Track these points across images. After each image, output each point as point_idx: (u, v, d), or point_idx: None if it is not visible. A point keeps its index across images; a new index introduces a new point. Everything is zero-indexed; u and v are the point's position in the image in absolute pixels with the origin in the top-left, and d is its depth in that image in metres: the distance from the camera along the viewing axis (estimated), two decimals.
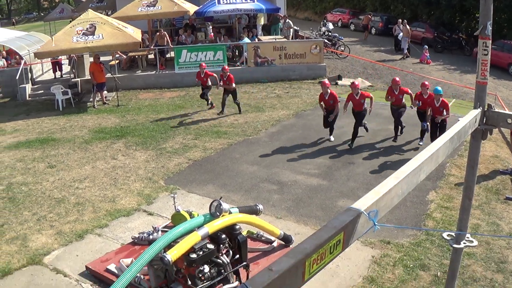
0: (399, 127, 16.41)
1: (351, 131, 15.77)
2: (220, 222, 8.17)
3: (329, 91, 15.90)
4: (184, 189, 13.22)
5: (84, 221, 11.74)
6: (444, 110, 14.73)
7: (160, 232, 10.25)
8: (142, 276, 8.87)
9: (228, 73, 19.15)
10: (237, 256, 8.37)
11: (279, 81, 24.70)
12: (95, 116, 20.81)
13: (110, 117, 20.35)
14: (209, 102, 20.45)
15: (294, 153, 15.25)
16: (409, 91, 16.33)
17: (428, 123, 15.40)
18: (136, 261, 7.73)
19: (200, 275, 7.59)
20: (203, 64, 20.31)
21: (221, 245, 8.03)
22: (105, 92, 22.88)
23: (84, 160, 15.67)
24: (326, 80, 16.42)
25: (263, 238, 10.18)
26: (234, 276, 8.31)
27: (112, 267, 9.52)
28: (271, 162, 14.71)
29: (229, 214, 8.58)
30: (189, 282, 7.78)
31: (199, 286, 7.64)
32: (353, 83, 16.12)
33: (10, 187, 13.87)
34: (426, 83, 15.86)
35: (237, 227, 8.40)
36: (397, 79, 16.43)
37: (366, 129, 16.56)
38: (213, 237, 7.99)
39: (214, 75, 19.78)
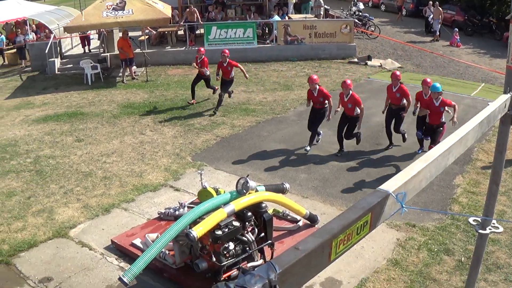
0: (402, 135, 14.17)
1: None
2: (246, 200, 8.21)
3: (317, 87, 13.74)
4: (211, 165, 13.26)
5: (110, 195, 11.87)
6: (444, 111, 12.63)
7: (186, 208, 10.33)
8: (167, 252, 8.98)
9: (203, 56, 17.87)
10: (262, 234, 8.43)
11: (308, 60, 24.51)
12: (124, 91, 20.94)
13: (139, 92, 20.46)
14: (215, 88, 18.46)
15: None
16: (407, 92, 13.68)
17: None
18: (161, 236, 7.86)
19: (225, 252, 7.69)
20: (226, 51, 17.32)
21: (247, 223, 8.07)
22: (134, 67, 22.98)
23: (112, 134, 15.81)
24: (314, 75, 14.19)
25: (288, 217, 10.19)
26: (259, 254, 8.37)
27: (137, 241, 9.65)
28: (299, 141, 14.64)
29: (255, 192, 8.61)
30: (214, 259, 7.84)
31: (224, 263, 7.73)
32: (344, 81, 13.59)
33: (38, 160, 14.08)
34: (428, 80, 13.44)
35: (263, 205, 8.43)
36: (398, 73, 14.02)
37: (358, 139, 14.04)
38: (239, 215, 8.03)
39: (239, 65, 17.52)
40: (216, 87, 18.04)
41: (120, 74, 22.81)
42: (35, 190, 12.38)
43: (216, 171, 12.81)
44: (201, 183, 10.48)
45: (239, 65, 17.22)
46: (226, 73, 17.11)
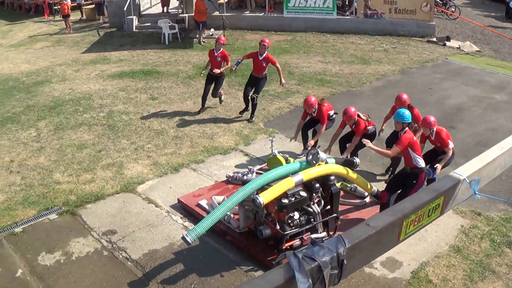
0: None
1: None
2: (316, 171, 8.16)
3: (315, 109, 11.48)
4: (282, 133, 13.14)
5: (181, 155, 11.96)
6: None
7: (254, 174, 10.39)
8: (232, 215, 9.03)
9: (222, 48, 14.26)
10: (328, 207, 8.38)
11: (387, 35, 23.84)
12: (200, 52, 21.03)
13: None
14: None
15: None
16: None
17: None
18: (228, 199, 7.93)
19: (289, 221, 7.73)
20: (267, 41, 13.75)
21: (314, 194, 8.04)
22: (212, 30, 23.04)
23: (186, 95, 15.93)
24: (311, 98, 11.48)
25: (356, 192, 10.01)
26: (323, 226, 8.35)
27: (203, 202, 9.72)
28: (372, 117, 14.20)
29: (325, 164, 8.52)
30: (278, 227, 7.88)
31: (287, 232, 7.76)
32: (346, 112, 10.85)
33: (111, 115, 14.37)
34: (405, 97, 11.06)
35: (332, 177, 8.36)
36: (405, 96, 11.08)
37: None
38: (307, 185, 8.01)
39: (277, 64, 14.01)
40: (222, 92, 15.11)
41: (197, 36, 22.89)
42: (106, 144, 12.66)
43: (287, 139, 12.65)
44: (271, 150, 10.53)
45: (277, 63, 13.75)
46: (259, 69, 13.54)
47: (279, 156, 9.84)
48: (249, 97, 13.76)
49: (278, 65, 13.80)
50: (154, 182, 10.94)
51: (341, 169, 8.64)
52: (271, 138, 11.25)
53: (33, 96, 16.33)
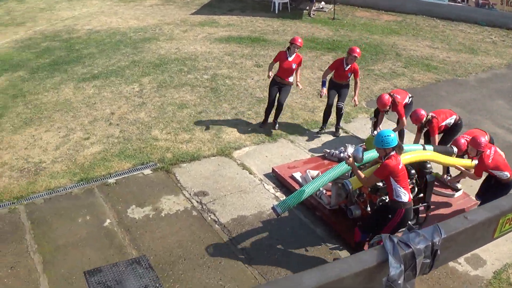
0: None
1: None
2: (412, 156, 7.97)
3: (389, 106, 10.50)
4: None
5: (280, 125, 11.82)
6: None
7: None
8: (324, 191, 8.94)
9: (296, 50, 11.63)
10: (421, 195, 8.18)
11: (496, 27, 22.45)
12: (309, 24, 20.79)
13: (324, 29, 20.19)
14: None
15: (498, 105, 13.82)
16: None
17: None
18: (323, 175, 7.89)
19: (381, 204, 7.62)
20: (357, 50, 11.34)
21: (409, 180, 7.70)
22: (323, 3, 22.72)
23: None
24: (385, 96, 10.41)
25: (449, 183, 9.59)
26: (413, 213, 8.06)
27: (297, 175, 9.64)
28: (475, 108, 13.54)
29: (423, 149, 8.33)
30: (368, 208, 7.84)
31: None
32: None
33: (215, 78, 14.45)
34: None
35: (428, 165, 8.13)
36: (422, 112, 9.94)
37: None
38: None
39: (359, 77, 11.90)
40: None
41: (308, 8, 22.61)
42: (207, 106, 12.76)
43: (388, 121, 12.21)
44: (371, 130, 10.44)
45: (359, 77, 11.77)
46: (343, 76, 11.49)
47: None
48: (337, 107, 11.65)
49: (359, 80, 11.80)
50: (250, 149, 10.93)
51: (439, 157, 8.32)
52: (371, 118, 10.93)
53: (139, 52, 16.72)
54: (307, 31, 19.78)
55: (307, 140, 11.36)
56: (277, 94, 11.57)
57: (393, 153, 6.96)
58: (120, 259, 7.85)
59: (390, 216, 7.09)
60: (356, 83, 11.61)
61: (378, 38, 18.97)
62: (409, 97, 10.80)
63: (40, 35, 19.31)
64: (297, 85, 11.58)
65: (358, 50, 11.23)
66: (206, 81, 14.27)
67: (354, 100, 11.54)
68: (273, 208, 7.65)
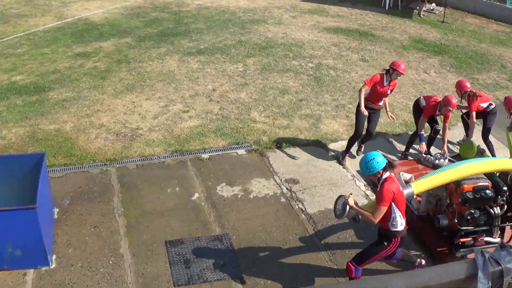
0: None
1: None
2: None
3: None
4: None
5: (379, 123, 11.39)
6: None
7: (447, 160, 10.00)
8: (415, 196, 8.45)
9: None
10: (510, 214, 7.80)
11: None
12: (418, 25, 20.14)
13: (432, 31, 19.49)
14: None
15: None
16: None
17: None
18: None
19: (469, 217, 7.49)
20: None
21: (499, 196, 7.50)
22: (433, 4, 21.95)
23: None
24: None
25: None
26: (499, 231, 7.83)
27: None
28: None
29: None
30: (456, 220, 7.58)
31: (464, 228, 7.49)
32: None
33: (319, 67, 14.21)
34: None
35: None
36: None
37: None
38: (495, 185, 7.51)
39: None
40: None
41: (418, 8, 21.93)
42: (309, 94, 12.54)
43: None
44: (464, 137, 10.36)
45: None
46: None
47: (474, 143, 9.38)
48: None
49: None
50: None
51: None
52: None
53: (247, 32, 16.67)
54: (415, 31, 19.17)
55: (403, 142, 10.92)
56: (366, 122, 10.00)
57: (387, 174, 6.33)
58: (203, 234, 7.83)
59: (385, 243, 6.54)
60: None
61: (485, 47, 18.09)
62: (490, 104, 10.35)
63: (150, 5, 19.70)
64: (390, 116, 10.04)
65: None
66: (310, 69, 14.03)
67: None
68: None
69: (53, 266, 7.11)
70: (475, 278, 4.74)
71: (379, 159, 6.30)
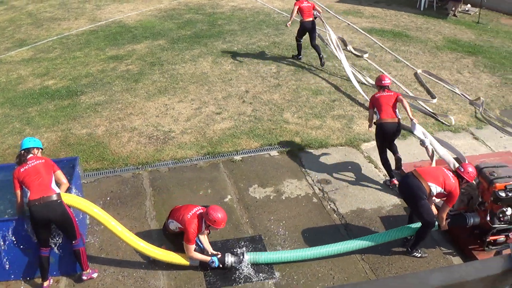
0: None
1: None
2: None
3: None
4: None
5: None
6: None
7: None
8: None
9: None
10: None
11: None
12: (453, 25, 19.78)
13: (467, 31, 19.11)
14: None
15: None
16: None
17: None
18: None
19: (501, 216, 7.50)
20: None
21: None
22: (469, 5, 21.52)
23: (430, 65, 15.02)
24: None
25: None
26: None
27: None
28: None
29: None
30: (488, 218, 7.56)
31: (495, 226, 7.51)
32: None
33: (353, 68, 13.95)
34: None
35: None
36: None
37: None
38: None
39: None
40: None
41: (453, 8, 21.54)
42: (342, 95, 12.49)
43: None
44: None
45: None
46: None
47: None
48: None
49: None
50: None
51: None
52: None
53: (280, 33, 16.60)
54: (450, 31, 18.84)
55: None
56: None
57: None
58: (235, 236, 7.77)
59: None
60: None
61: None
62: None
63: (184, 7, 19.77)
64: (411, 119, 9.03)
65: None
66: (344, 70, 13.84)
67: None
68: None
69: (84, 276, 7.10)
70: (511, 273, 4.63)
71: None
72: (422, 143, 8.90)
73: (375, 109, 9.10)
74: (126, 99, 11.96)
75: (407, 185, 7.40)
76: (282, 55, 14.76)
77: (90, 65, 14.09)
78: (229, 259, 7.16)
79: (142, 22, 17.89)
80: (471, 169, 7.25)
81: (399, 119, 9.06)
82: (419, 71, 14.21)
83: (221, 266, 7.12)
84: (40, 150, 7.14)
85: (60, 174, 6.91)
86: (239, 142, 10.26)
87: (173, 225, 7.04)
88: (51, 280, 7.00)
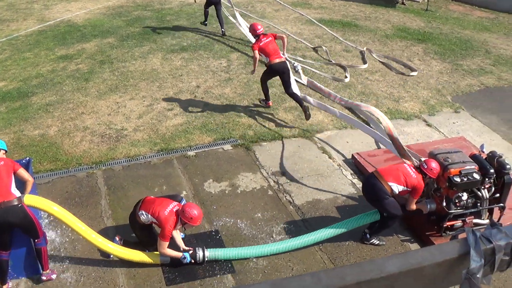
0: None
1: None
2: None
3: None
4: (468, 111, 12.10)
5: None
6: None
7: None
8: None
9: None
10: (497, 195, 7.90)
11: None
12: (402, 14, 20.15)
13: (416, 19, 19.50)
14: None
15: None
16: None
17: None
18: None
19: (457, 201, 7.63)
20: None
21: (487, 179, 7.62)
22: None
23: (381, 53, 15.21)
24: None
25: None
26: (487, 213, 8.00)
27: None
28: None
29: None
30: (444, 204, 7.68)
31: (452, 211, 7.62)
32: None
33: (304, 58, 14.10)
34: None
35: (508, 166, 7.69)
36: None
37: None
38: (482, 168, 7.60)
39: None
40: None
41: None
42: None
43: (471, 118, 11.68)
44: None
45: None
46: None
47: None
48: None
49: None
50: (332, 133, 10.65)
51: None
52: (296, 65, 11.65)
53: (230, 27, 16.62)
54: (399, 20, 19.18)
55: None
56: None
57: None
58: (192, 231, 7.80)
59: None
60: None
61: (469, 34, 18.11)
62: None
63: (132, 4, 19.64)
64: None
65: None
66: (294, 62, 13.99)
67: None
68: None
69: (44, 276, 7.04)
70: (468, 257, 4.78)
71: None
72: (295, 69, 11.18)
73: (262, 55, 10.84)
74: (77, 99, 11.84)
75: (369, 187, 7.54)
76: (232, 49, 14.80)
77: (40, 66, 13.87)
78: (200, 253, 7.17)
79: (90, 21, 17.67)
80: (434, 165, 7.35)
81: (285, 58, 11.14)
82: (364, 49, 14.87)
83: (193, 261, 7.14)
84: (4, 151, 7.07)
85: (22, 172, 6.83)
86: (192, 138, 10.27)
87: (145, 218, 6.98)
88: (10, 283, 6.93)
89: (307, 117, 10.72)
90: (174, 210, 6.90)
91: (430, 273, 4.77)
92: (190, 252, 7.17)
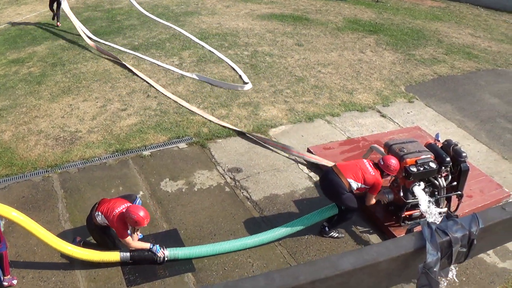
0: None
1: None
2: None
3: None
4: (422, 100, 12.42)
5: (317, 105, 11.68)
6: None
7: None
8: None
9: None
10: (455, 183, 8.02)
11: None
12: (353, 6, 20.47)
13: (367, 11, 19.84)
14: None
15: None
16: None
17: None
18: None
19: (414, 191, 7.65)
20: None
21: (443, 168, 7.71)
22: None
23: (332, 46, 15.49)
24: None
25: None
26: (445, 201, 8.08)
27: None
28: None
29: None
30: (401, 194, 7.76)
31: (409, 201, 7.68)
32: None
33: (255, 55, 14.32)
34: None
35: (464, 154, 7.83)
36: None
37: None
38: (438, 157, 7.68)
39: None
40: None
41: None
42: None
43: (426, 107, 12.01)
44: None
45: None
46: None
47: None
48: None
49: None
50: (286, 128, 10.79)
51: None
52: None
53: (181, 25, 16.64)
54: (350, 12, 19.47)
55: (344, 122, 11.14)
56: None
57: None
58: (150, 231, 7.83)
59: None
60: None
61: (421, 23, 18.53)
62: None
63: (82, 5, 19.45)
64: None
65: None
66: (246, 57, 14.12)
67: None
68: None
69: (5, 282, 6.99)
70: (424, 250, 4.87)
71: None
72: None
73: None
74: (31, 102, 11.71)
75: (327, 182, 7.58)
76: (184, 46, 14.82)
77: None
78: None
79: (41, 23, 17.45)
80: (393, 162, 7.35)
81: None
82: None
83: (163, 252, 7.17)
84: None
85: None
86: (146, 137, 10.27)
87: (100, 219, 6.97)
88: None
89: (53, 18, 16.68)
90: (123, 211, 6.89)
91: (385, 269, 4.87)
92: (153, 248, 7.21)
